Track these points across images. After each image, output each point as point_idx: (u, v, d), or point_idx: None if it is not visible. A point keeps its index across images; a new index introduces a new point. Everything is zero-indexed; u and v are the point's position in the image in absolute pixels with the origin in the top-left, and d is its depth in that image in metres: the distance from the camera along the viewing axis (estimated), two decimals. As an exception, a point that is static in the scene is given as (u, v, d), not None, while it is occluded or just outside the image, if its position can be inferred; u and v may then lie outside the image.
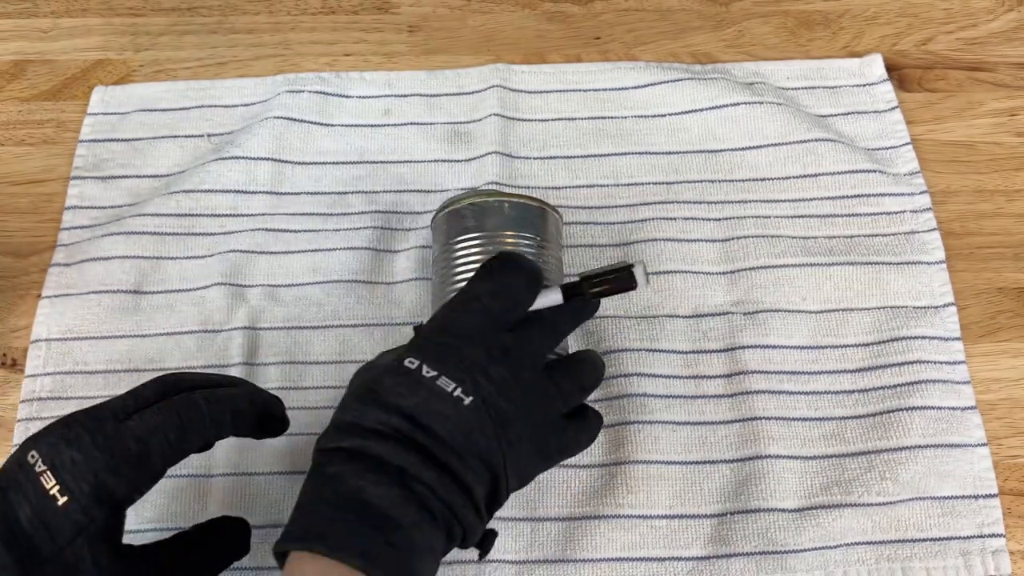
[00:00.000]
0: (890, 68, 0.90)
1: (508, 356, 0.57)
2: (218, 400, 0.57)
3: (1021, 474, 0.72)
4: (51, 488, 0.51)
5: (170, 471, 0.56)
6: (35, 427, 0.72)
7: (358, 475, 0.52)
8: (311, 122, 0.87)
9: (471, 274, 0.62)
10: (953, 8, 0.94)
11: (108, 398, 0.73)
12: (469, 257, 0.67)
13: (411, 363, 0.55)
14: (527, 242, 0.68)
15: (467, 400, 0.54)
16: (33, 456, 0.52)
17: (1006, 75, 0.90)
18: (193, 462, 0.71)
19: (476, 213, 0.69)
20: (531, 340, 0.60)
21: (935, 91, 0.89)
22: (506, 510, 0.70)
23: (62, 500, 0.51)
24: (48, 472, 0.51)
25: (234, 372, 0.75)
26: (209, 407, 0.56)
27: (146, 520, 0.70)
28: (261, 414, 0.61)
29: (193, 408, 0.56)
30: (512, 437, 0.55)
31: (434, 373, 0.55)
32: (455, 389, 0.54)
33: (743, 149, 0.84)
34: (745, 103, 0.86)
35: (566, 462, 0.71)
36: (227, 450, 0.72)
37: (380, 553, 0.49)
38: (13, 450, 0.55)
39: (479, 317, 0.58)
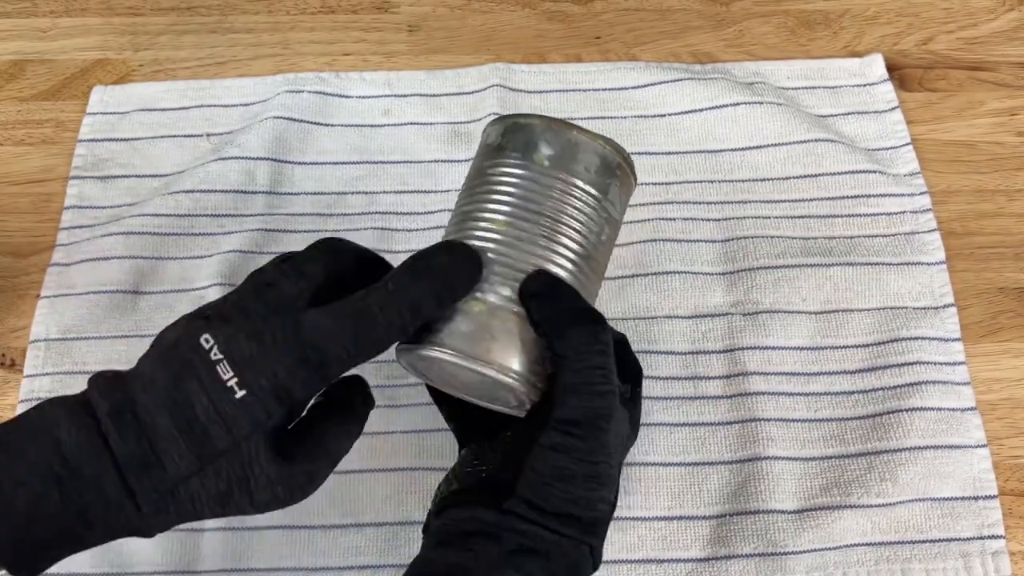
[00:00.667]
0: (891, 68, 0.89)
1: None
2: (394, 307, 0.51)
3: (1022, 474, 0.72)
4: (229, 380, 0.48)
5: None
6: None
7: None
8: (311, 122, 0.86)
9: (504, 198, 0.55)
10: (953, 8, 0.94)
11: None
12: (509, 187, 0.55)
13: None
14: (592, 203, 0.56)
15: None
16: (207, 341, 0.49)
17: (1007, 75, 0.90)
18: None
19: (549, 140, 0.56)
20: None
21: (936, 91, 0.89)
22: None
23: (240, 393, 0.48)
24: (225, 362, 0.49)
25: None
26: (385, 317, 0.51)
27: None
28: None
29: (370, 321, 0.50)
30: None
31: None
32: None
33: (743, 149, 0.84)
34: (745, 103, 0.85)
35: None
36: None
37: None
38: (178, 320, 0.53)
39: None
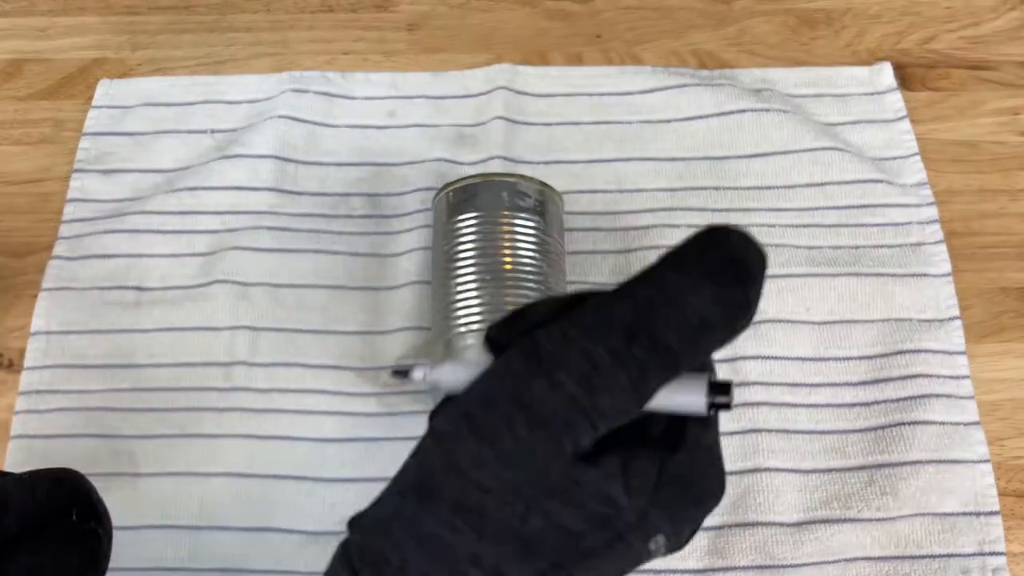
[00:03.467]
0: (893, 67, 0.89)
1: None
2: None
3: (1024, 475, 0.72)
4: None
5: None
6: (33, 420, 0.73)
7: None
8: (315, 123, 0.86)
9: (471, 254, 0.66)
10: (956, 7, 0.93)
11: (105, 392, 0.73)
12: (468, 237, 0.69)
13: None
14: (531, 224, 0.69)
15: None
16: None
17: (1009, 74, 0.89)
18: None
19: (478, 192, 0.70)
20: None
21: (938, 90, 0.88)
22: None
23: None
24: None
25: (236, 370, 0.75)
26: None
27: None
28: None
29: None
30: None
31: None
32: None
33: (749, 156, 0.84)
34: (752, 110, 0.85)
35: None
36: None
37: None
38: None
39: None
